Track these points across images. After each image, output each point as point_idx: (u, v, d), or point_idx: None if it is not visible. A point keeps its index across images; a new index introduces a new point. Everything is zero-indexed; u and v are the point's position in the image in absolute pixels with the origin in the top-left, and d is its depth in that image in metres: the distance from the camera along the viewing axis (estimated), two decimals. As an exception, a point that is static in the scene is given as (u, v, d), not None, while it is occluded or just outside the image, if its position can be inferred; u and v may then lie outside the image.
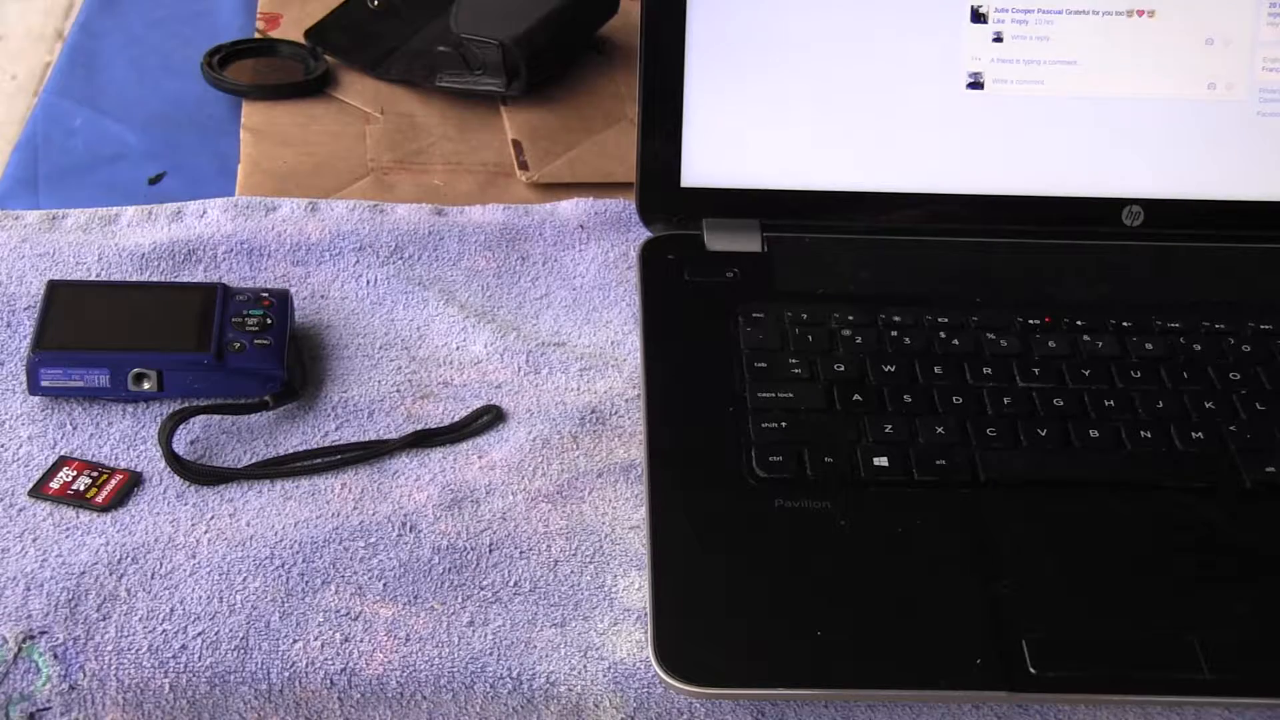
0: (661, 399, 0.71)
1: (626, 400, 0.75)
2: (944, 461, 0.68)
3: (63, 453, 0.70)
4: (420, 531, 0.67)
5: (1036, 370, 0.73)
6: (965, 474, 0.68)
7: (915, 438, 0.69)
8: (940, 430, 0.70)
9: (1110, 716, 0.62)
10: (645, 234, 0.82)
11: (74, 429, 0.71)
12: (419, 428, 0.72)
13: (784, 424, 0.70)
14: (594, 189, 0.90)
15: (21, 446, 0.70)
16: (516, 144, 0.95)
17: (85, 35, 1.07)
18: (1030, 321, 0.76)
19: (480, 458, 0.72)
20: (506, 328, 0.80)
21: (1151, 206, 0.83)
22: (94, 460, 0.69)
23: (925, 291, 0.79)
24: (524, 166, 0.93)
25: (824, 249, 0.82)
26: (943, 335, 0.75)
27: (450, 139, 0.96)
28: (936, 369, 0.73)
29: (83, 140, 0.95)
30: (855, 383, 0.72)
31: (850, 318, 0.76)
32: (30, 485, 0.68)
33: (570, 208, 0.88)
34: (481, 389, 0.76)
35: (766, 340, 0.74)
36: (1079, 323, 0.76)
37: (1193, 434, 0.71)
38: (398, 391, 0.75)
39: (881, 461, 0.68)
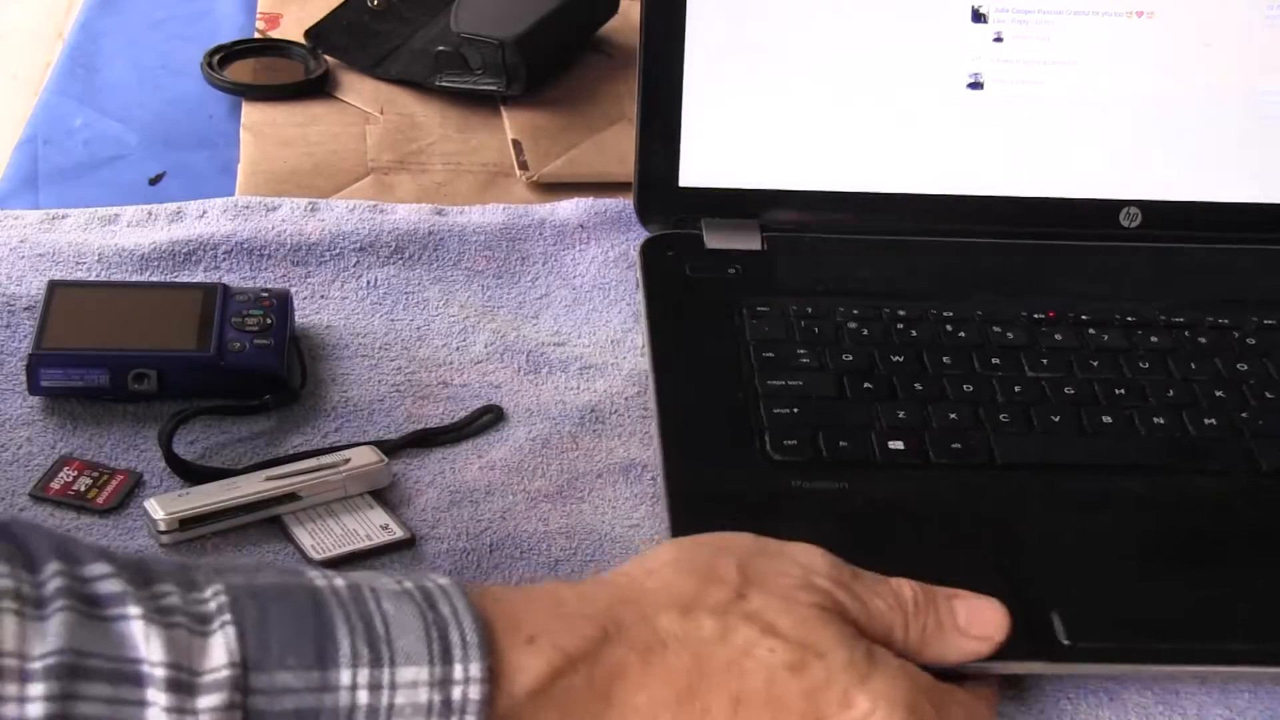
0: (671, 390, 0.71)
1: (626, 400, 0.75)
2: (959, 445, 0.68)
3: (63, 453, 0.70)
4: (420, 532, 0.67)
5: (1045, 361, 0.73)
6: (982, 457, 0.68)
7: (929, 423, 0.69)
8: (953, 416, 0.69)
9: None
10: (645, 234, 0.82)
11: (74, 429, 0.71)
12: (419, 428, 0.72)
13: (796, 409, 0.69)
14: (594, 189, 0.90)
15: (21, 447, 0.70)
16: (516, 144, 0.95)
17: (85, 35, 1.07)
18: (1035, 316, 0.76)
19: (480, 458, 0.72)
20: (506, 328, 0.80)
21: (1150, 208, 0.83)
22: (94, 460, 0.69)
23: (926, 289, 0.79)
24: (524, 166, 0.93)
25: (824, 248, 0.82)
26: (948, 328, 0.75)
27: (450, 139, 0.96)
28: (945, 359, 0.73)
29: (83, 140, 0.95)
30: (864, 372, 0.72)
31: (855, 311, 0.76)
32: (31, 485, 0.68)
33: (570, 208, 0.88)
34: (481, 389, 0.76)
35: (772, 332, 0.74)
36: (1083, 317, 0.76)
37: (1205, 420, 0.70)
38: (398, 391, 0.75)
39: (897, 445, 0.68)
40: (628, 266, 0.84)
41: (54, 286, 0.75)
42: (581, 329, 0.80)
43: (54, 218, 0.85)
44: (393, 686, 0.46)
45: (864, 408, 0.70)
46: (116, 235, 0.84)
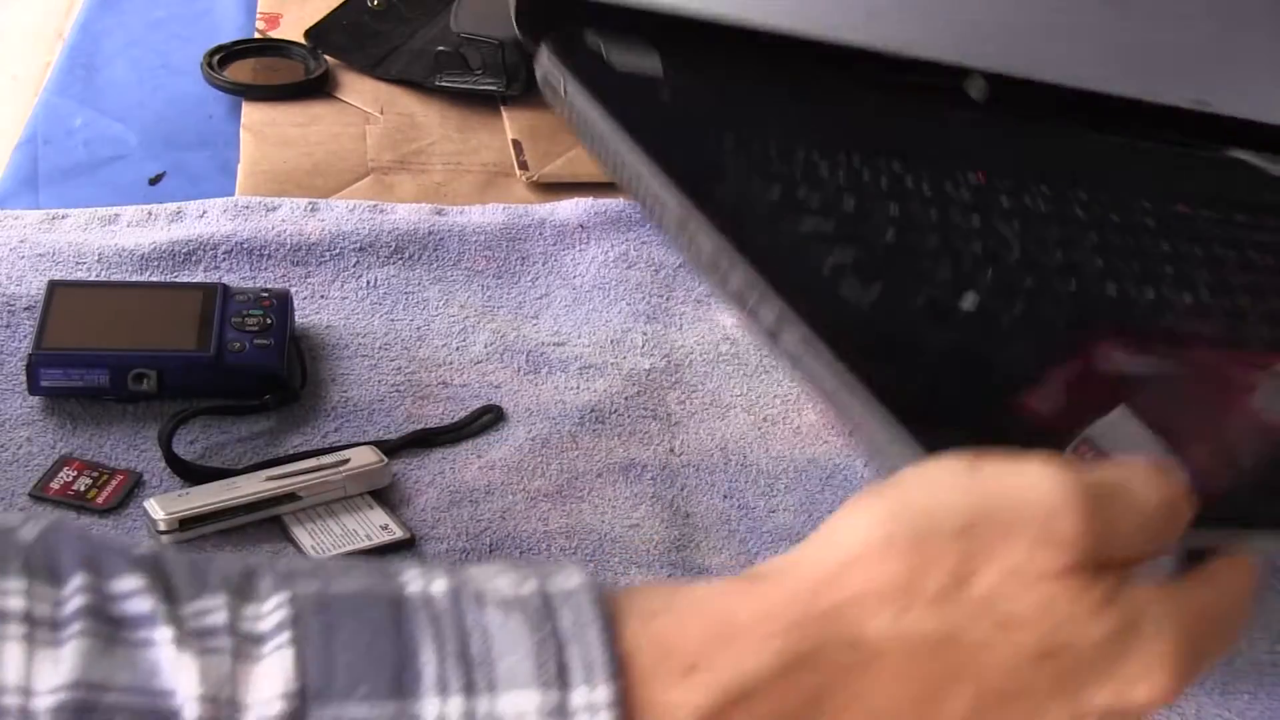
0: (736, 229, 0.59)
1: (626, 400, 0.75)
2: (1024, 307, 0.62)
3: (63, 453, 0.70)
4: (420, 532, 0.67)
5: (1016, 225, 0.67)
6: (1043, 319, 0.62)
7: (975, 281, 0.62)
8: (989, 275, 0.63)
9: None
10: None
11: (74, 429, 0.71)
12: (419, 428, 0.73)
13: (853, 257, 0.60)
14: (594, 189, 0.90)
15: (21, 447, 0.70)
16: (516, 144, 0.95)
17: (85, 35, 1.07)
18: (968, 177, 0.70)
19: (480, 458, 0.72)
20: (506, 328, 0.80)
21: (999, 82, 0.78)
22: (94, 460, 0.69)
23: (851, 138, 0.71)
24: (524, 166, 0.93)
25: (722, 82, 0.73)
26: (910, 183, 0.68)
27: (450, 139, 0.96)
28: (932, 213, 0.66)
29: (83, 140, 0.95)
30: (875, 220, 0.64)
31: (815, 153, 0.67)
32: (30, 485, 0.68)
33: (570, 208, 0.88)
34: (481, 389, 0.76)
35: (761, 169, 0.65)
36: (1007, 182, 0.71)
37: (1184, 297, 0.67)
38: (398, 391, 0.75)
39: (967, 305, 0.60)
40: (628, 266, 0.84)
41: (54, 286, 0.75)
42: (581, 329, 0.80)
43: (54, 218, 0.85)
44: (491, 718, 0.39)
45: (905, 259, 0.62)
46: (116, 235, 0.84)
